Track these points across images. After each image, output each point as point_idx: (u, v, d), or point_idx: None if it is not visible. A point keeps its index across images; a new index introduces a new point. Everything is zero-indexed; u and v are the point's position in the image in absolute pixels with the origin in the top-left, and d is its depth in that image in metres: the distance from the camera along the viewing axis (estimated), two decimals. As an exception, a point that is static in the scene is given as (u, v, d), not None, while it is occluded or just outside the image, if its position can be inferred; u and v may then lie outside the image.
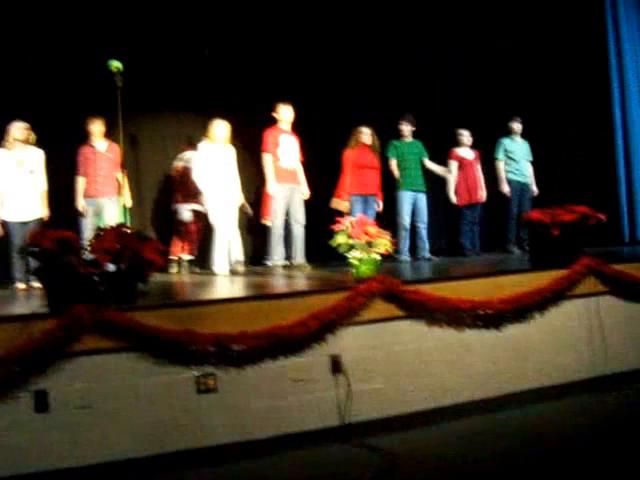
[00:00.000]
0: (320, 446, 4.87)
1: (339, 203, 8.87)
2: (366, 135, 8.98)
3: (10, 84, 8.37)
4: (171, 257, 8.92)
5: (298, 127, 8.65)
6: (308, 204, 8.56)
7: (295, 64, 9.92)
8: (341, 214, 7.91)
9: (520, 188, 9.98)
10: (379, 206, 9.08)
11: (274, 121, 8.50)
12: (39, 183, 7.71)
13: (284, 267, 8.37)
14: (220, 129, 8.11)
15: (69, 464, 4.42)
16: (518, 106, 10.45)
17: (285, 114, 8.46)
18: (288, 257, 8.53)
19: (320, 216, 8.49)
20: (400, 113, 9.65)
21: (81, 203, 8.00)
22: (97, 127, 8.14)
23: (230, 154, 8.21)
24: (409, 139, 9.52)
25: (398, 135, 9.55)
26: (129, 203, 7.91)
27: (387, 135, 9.49)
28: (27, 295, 6.83)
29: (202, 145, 8.13)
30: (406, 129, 9.48)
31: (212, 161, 8.04)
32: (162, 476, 4.49)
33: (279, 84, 9.52)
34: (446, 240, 10.99)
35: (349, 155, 8.98)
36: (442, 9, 10.72)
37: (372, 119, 9.41)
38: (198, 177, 8.10)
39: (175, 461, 4.60)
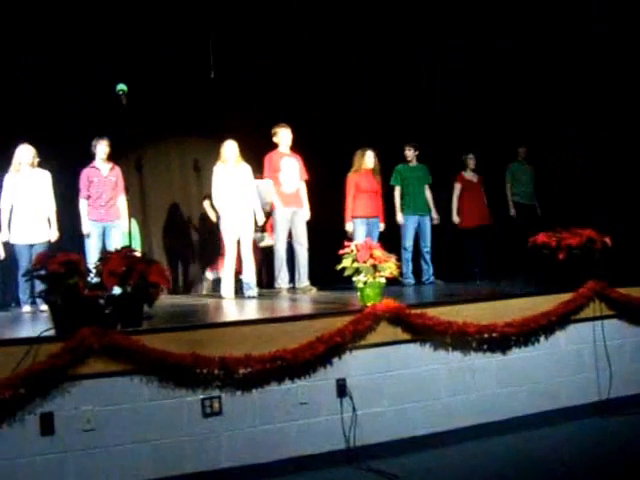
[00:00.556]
0: (325, 469, 4.87)
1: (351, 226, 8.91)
2: (369, 159, 8.98)
3: (13, 106, 8.45)
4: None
5: (300, 145, 8.70)
6: (311, 227, 8.58)
7: (295, 71, 10.02)
8: (348, 237, 7.98)
9: (526, 210, 9.96)
10: (381, 228, 9.07)
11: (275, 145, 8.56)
12: (47, 205, 7.74)
13: (289, 290, 8.35)
14: (228, 148, 8.08)
15: (73, 488, 4.41)
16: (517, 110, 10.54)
17: (284, 137, 8.49)
18: (293, 280, 8.52)
19: (324, 239, 8.56)
20: (403, 130, 9.79)
21: (87, 226, 7.99)
22: (103, 148, 8.05)
23: (244, 173, 8.12)
24: (413, 163, 9.54)
25: (401, 153, 9.60)
26: (126, 228, 7.91)
27: (389, 154, 9.53)
28: (33, 318, 6.85)
29: (216, 167, 8.11)
30: (410, 153, 9.51)
31: (227, 181, 7.99)
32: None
33: (281, 98, 9.66)
34: (452, 264, 10.96)
35: (353, 179, 8.98)
36: (442, 9, 10.73)
37: (374, 137, 9.48)
38: (215, 198, 8.09)
39: (179, 485, 4.59)
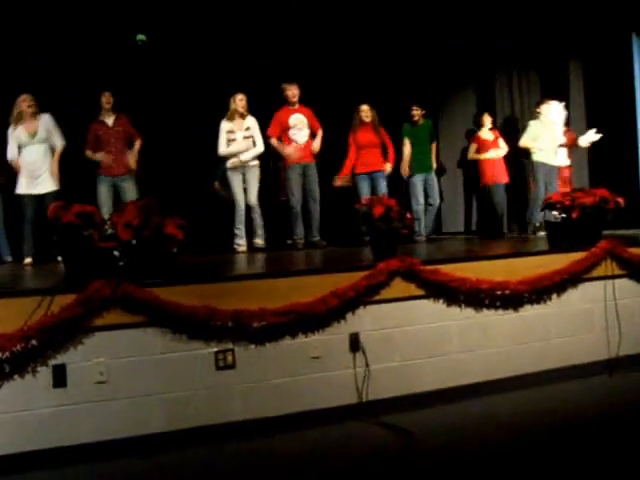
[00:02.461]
0: (337, 424, 4.87)
1: (339, 179, 8.92)
2: (364, 112, 8.95)
3: (26, 58, 8.41)
4: None
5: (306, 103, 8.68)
6: (321, 184, 8.58)
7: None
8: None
9: (547, 170, 9.78)
10: (388, 169, 9.01)
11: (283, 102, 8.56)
12: (53, 149, 7.73)
13: (302, 244, 8.40)
14: (236, 102, 8.19)
15: (86, 439, 4.42)
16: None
17: (290, 92, 8.51)
18: (305, 234, 8.54)
19: (334, 196, 8.63)
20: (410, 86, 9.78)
21: (96, 155, 8.05)
22: (106, 99, 8.10)
23: (252, 125, 8.28)
24: (420, 122, 9.51)
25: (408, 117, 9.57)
26: (134, 165, 8.05)
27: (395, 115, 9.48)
28: (46, 269, 6.81)
29: (222, 123, 8.24)
30: (416, 113, 9.49)
31: (231, 136, 8.17)
32: (178, 452, 4.48)
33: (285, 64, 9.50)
34: (469, 221, 11.00)
35: (351, 135, 9.00)
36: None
37: (380, 94, 9.47)
38: (221, 153, 8.24)
39: (193, 437, 4.60)
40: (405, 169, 9.34)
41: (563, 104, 9.75)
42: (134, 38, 6.27)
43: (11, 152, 7.59)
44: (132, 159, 8.07)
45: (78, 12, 8.63)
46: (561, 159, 9.94)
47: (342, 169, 8.93)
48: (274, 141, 8.42)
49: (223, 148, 8.22)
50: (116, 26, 8.36)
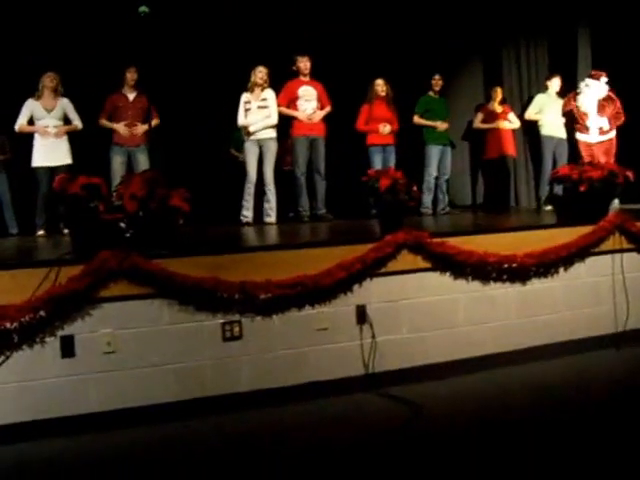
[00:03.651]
0: (344, 395, 4.88)
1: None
2: (379, 86, 8.99)
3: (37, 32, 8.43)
4: None
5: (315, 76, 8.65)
6: (328, 158, 8.54)
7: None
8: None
9: (554, 144, 9.69)
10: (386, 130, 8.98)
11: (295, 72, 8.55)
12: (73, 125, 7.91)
13: (307, 217, 8.39)
14: (256, 73, 8.19)
15: (94, 409, 4.46)
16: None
17: (302, 64, 8.50)
18: (311, 208, 8.53)
19: (340, 168, 8.64)
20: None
21: (114, 125, 8.12)
22: (131, 75, 8.20)
23: (269, 98, 8.25)
24: (438, 95, 9.54)
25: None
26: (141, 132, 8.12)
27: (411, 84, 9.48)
28: (48, 242, 6.84)
29: (242, 95, 8.21)
30: (439, 83, 9.49)
31: (248, 106, 8.19)
32: (186, 422, 4.50)
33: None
34: (475, 194, 10.99)
35: (365, 108, 9.02)
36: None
37: (393, 68, 9.43)
38: (240, 123, 8.25)
39: (199, 407, 4.62)
40: (442, 125, 9.41)
41: (605, 79, 9.19)
42: (137, 10, 6.23)
43: (19, 121, 7.74)
44: (142, 129, 8.09)
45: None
46: (599, 134, 9.31)
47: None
48: (282, 109, 8.36)
49: (242, 119, 8.20)
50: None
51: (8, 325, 4.19)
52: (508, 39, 10.99)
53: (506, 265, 5.53)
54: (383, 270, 5.15)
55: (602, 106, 9.16)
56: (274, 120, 8.19)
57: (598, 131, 9.20)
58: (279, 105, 8.33)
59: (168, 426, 4.46)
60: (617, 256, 6.07)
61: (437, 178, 9.40)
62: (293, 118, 8.40)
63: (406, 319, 5.25)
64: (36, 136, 7.75)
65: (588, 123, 9.20)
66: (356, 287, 5.07)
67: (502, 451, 3.93)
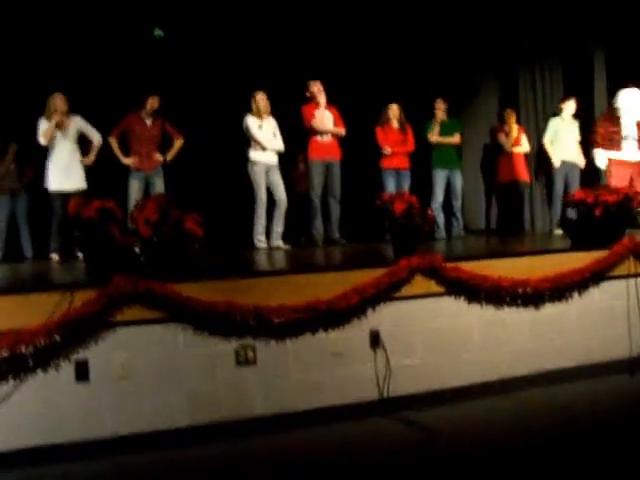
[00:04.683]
0: (358, 420, 4.86)
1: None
2: (392, 111, 9.07)
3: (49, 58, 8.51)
4: None
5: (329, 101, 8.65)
6: (341, 181, 8.55)
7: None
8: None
9: (566, 168, 9.54)
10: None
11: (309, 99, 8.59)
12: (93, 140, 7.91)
13: (321, 241, 8.39)
14: (258, 101, 8.17)
15: (107, 433, 4.45)
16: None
17: (316, 88, 8.52)
18: (325, 231, 8.53)
19: (354, 192, 8.64)
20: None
21: (125, 159, 8.15)
22: (152, 102, 8.22)
23: (274, 125, 8.28)
24: (444, 118, 9.51)
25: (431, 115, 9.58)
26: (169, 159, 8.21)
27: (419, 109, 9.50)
28: (68, 266, 6.85)
29: (249, 119, 8.16)
30: (442, 107, 9.50)
31: (261, 132, 8.15)
32: (199, 447, 4.49)
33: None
34: (489, 218, 10.97)
35: (380, 131, 9.07)
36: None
37: (402, 92, 9.48)
38: (272, 147, 8.21)
39: (213, 432, 4.61)
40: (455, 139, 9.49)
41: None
42: (152, 33, 6.29)
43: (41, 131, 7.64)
44: (169, 155, 8.23)
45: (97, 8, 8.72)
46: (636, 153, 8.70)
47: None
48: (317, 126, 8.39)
49: (270, 143, 8.16)
50: (133, 22, 8.38)
51: (23, 349, 4.19)
52: (524, 62, 10.98)
53: (520, 290, 5.51)
54: (397, 295, 5.15)
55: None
56: (282, 147, 8.26)
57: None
58: (308, 124, 8.39)
59: (182, 451, 4.45)
60: (632, 281, 6.04)
61: (449, 203, 9.41)
62: (309, 142, 8.43)
63: (420, 343, 5.24)
64: (51, 159, 7.68)
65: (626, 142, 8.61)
66: (370, 311, 5.06)
67: (517, 477, 3.91)
